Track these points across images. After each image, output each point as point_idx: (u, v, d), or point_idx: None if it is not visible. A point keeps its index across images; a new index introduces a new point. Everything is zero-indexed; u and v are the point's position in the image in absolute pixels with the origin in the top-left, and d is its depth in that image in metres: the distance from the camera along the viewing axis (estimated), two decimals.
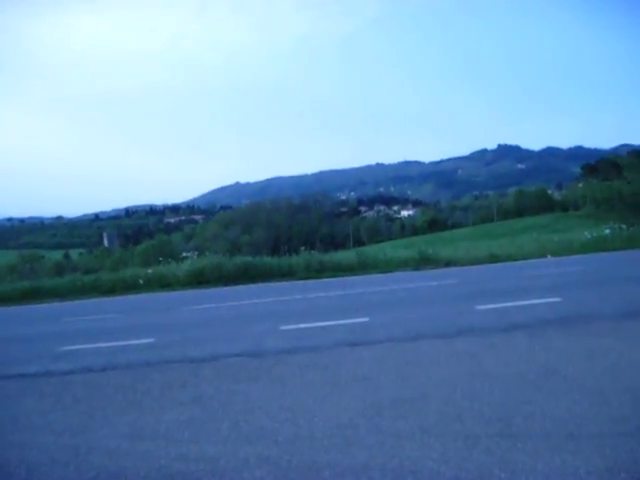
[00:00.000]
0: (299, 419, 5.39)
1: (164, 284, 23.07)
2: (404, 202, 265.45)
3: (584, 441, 4.43)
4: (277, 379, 6.97)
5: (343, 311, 12.11)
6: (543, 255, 23.82)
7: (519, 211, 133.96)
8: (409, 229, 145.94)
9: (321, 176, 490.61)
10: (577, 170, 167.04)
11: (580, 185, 68.28)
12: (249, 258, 25.72)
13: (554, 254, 23.77)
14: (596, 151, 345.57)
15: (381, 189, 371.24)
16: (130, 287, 23.26)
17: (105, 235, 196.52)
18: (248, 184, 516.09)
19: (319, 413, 5.53)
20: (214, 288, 21.65)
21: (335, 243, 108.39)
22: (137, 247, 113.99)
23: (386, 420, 5.19)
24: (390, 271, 22.57)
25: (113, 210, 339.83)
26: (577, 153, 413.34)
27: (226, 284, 22.21)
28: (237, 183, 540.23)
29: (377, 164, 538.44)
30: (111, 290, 23.09)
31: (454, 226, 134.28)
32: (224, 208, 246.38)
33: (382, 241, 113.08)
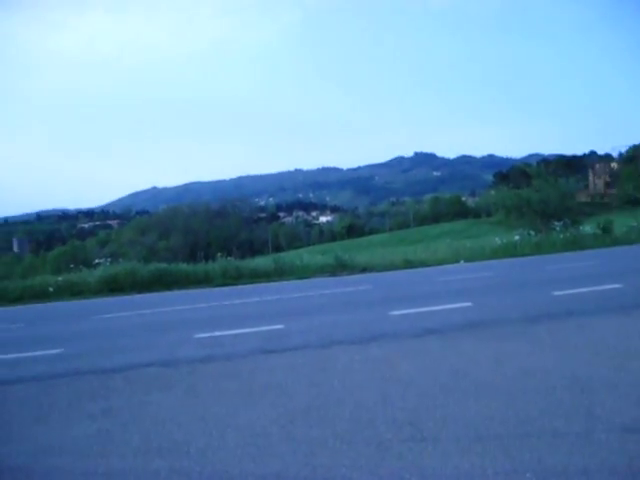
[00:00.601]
0: (212, 429, 5.33)
1: (75, 292, 22.41)
2: (323, 208, 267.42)
3: (492, 442, 4.54)
4: (190, 389, 6.87)
5: (259, 318, 12.06)
6: (456, 261, 24.42)
7: (435, 217, 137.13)
8: (327, 235, 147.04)
9: (240, 181, 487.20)
10: (490, 178, 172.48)
11: (493, 192, 70.40)
12: (164, 264, 25.36)
13: (467, 259, 24.41)
14: (508, 160, 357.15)
15: (300, 195, 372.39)
16: (39, 295, 22.45)
17: (15, 241, 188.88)
18: (165, 189, 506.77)
19: (232, 423, 5.48)
20: (128, 295, 21.20)
21: (253, 249, 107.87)
22: (49, 253, 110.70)
23: (299, 428, 5.19)
24: (307, 277, 22.69)
25: (23, 214, 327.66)
26: (490, 161, 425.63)
27: (140, 291, 21.81)
28: (154, 188, 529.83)
29: (296, 170, 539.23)
30: (19, 298, 22.25)
31: (371, 232, 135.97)
32: (140, 213, 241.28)
33: (301, 247, 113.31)
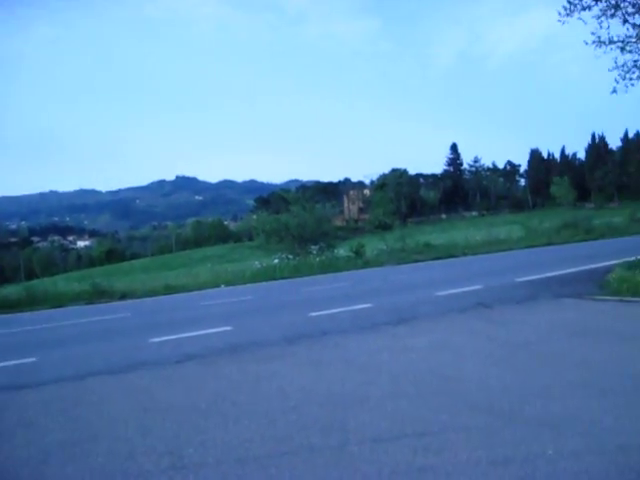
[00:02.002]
0: None
1: None
2: (80, 232, 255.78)
3: (251, 464, 4.61)
4: None
5: (6, 352, 11.18)
6: (217, 285, 24.52)
7: (197, 241, 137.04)
8: (86, 260, 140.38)
9: None
10: (251, 202, 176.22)
11: (254, 217, 71.96)
12: None
13: (228, 283, 24.61)
14: (269, 185, 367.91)
15: (56, 218, 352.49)
16: None
17: None
18: None
19: None
20: None
21: (4, 276, 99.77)
22: None
23: (52, 467, 4.88)
24: (62, 306, 21.48)
25: None
26: (251, 186, 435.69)
27: None
28: None
29: (51, 192, 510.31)
30: None
31: (133, 257, 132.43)
32: None
33: (57, 273, 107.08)
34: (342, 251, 33.41)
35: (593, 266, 17.56)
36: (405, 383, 6.71)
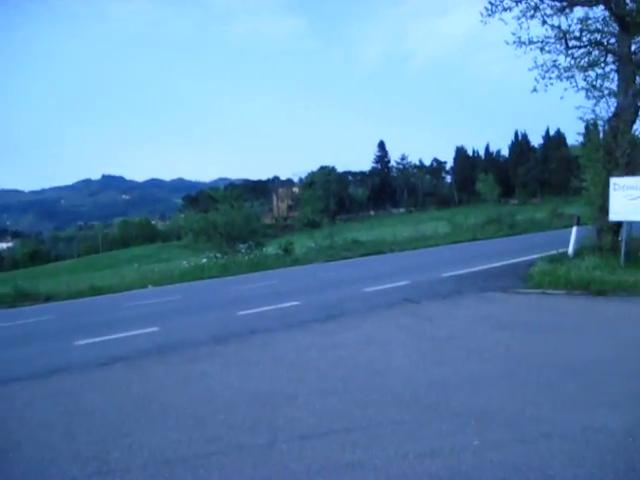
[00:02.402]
0: None
1: None
2: (2, 233, 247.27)
3: (179, 465, 4.60)
4: None
5: None
6: (144, 285, 24.12)
7: (124, 241, 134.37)
8: (9, 262, 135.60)
9: None
10: (180, 201, 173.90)
11: (182, 216, 70.99)
12: None
13: (155, 284, 24.23)
14: (197, 183, 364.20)
15: None
16: None
17: None
18: None
19: None
20: None
21: None
22: None
23: None
24: None
25: None
26: (180, 185, 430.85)
27: None
28: None
29: None
30: None
31: (58, 258, 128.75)
32: None
33: None
34: (271, 249, 33.35)
35: (516, 260, 18.04)
36: (333, 379, 6.77)
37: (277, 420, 5.48)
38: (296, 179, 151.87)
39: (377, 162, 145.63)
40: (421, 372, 6.83)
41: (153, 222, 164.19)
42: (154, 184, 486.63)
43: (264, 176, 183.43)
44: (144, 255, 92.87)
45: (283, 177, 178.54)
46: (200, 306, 15.24)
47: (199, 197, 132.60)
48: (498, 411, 5.39)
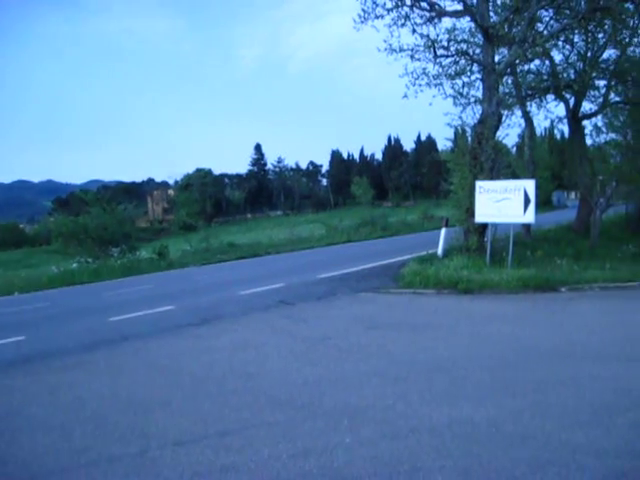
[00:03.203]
0: None
1: None
2: None
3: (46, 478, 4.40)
4: None
5: None
6: (10, 292, 22.92)
7: None
8: None
9: None
10: (49, 204, 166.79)
11: (52, 219, 68.10)
12: None
13: (22, 290, 23.09)
14: (68, 185, 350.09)
15: None
16: None
17: None
18: None
19: None
20: None
21: None
22: None
23: None
24: None
25: None
26: (49, 187, 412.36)
27: None
28: None
29: None
30: None
31: None
32: None
33: None
34: (145, 253, 32.56)
35: (389, 261, 18.55)
36: (207, 383, 6.72)
37: (149, 427, 5.38)
38: (172, 181, 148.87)
39: (254, 165, 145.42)
40: (295, 373, 6.89)
41: (21, 226, 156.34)
42: (21, 186, 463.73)
43: (139, 178, 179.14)
44: (11, 260, 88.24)
45: (158, 179, 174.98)
46: (70, 313, 14.64)
47: (70, 200, 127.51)
48: (370, 408, 5.53)
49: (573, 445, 4.58)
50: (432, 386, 6.14)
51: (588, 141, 27.03)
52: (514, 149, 33.68)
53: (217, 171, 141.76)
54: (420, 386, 6.15)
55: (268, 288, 14.40)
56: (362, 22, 17.12)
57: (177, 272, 24.25)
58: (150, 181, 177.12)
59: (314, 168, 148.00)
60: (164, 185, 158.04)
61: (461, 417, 5.20)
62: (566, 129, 26.75)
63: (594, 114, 25.27)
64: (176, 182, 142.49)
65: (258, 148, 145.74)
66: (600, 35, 20.99)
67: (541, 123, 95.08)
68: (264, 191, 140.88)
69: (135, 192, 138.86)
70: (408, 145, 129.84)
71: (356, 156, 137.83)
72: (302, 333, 9.28)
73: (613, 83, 24.15)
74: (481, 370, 6.72)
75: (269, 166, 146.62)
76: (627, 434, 4.79)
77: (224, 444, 4.86)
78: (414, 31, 17.38)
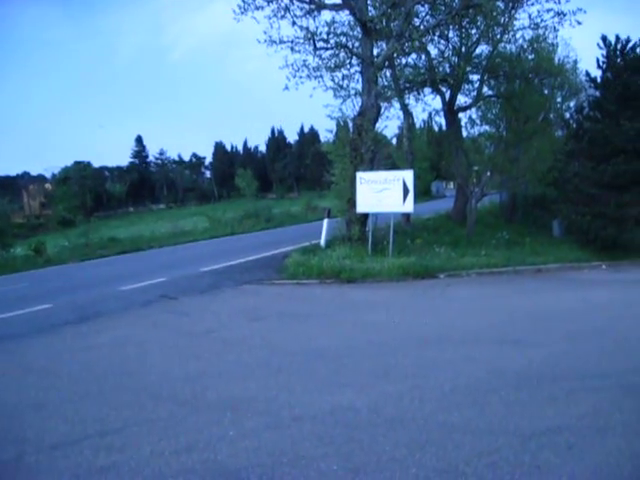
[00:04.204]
0: None
1: None
2: None
3: None
4: None
5: None
6: None
7: None
8: None
9: None
10: None
11: None
12: None
13: None
14: None
15: None
16: None
17: None
18: None
19: None
20: None
21: None
22: None
23: None
24: None
25: None
26: None
27: None
28: None
29: None
30: None
31: None
32: None
33: None
34: (20, 250, 31.11)
35: (273, 253, 18.57)
36: (87, 383, 6.51)
37: (25, 432, 5.15)
38: (49, 175, 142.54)
39: (135, 157, 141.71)
40: (177, 368, 6.79)
41: None
42: None
43: (12, 172, 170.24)
44: None
45: (34, 173, 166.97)
46: None
47: None
48: (253, 400, 5.53)
49: (450, 425, 4.79)
50: (314, 375, 6.23)
51: (464, 133, 28.11)
52: (395, 140, 34.47)
53: (97, 164, 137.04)
54: (303, 375, 6.23)
55: (150, 283, 14.07)
56: (242, 13, 17.05)
57: (55, 269, 23.30)
58: (25, 175, 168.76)
59: (197, 160, 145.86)
60: (41, 179, 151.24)
61: (343, 404, 5.30)
62: (443, 121, 27.56)
63: (469, 107, 26.27)
64: (54, 175, 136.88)
65: (139, 140, 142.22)
66: (473, 31, 21.82)
67: (420, 115, 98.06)
68: (146, 184, 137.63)
69: (9, 186, 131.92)
70: (292, 137, 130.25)
71: (240, 148, 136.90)
72: (185, 327, 9.17)
73: (486, 77, 25.21)
74: (362, 357, 6.88)
75: (151, 158, 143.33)
76: (500, 412, 5.05)
77: (104, 444, 4.73)
78: (294, 23, 17.47)
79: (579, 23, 19.77)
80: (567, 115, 29.43)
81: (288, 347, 7.53)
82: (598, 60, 24.87)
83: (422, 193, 60.36)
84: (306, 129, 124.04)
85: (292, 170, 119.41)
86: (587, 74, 26.10)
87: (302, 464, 4.17)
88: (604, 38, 24.62)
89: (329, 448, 4.39)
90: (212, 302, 11.34)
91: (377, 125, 17.38)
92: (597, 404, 5.25)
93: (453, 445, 4.38)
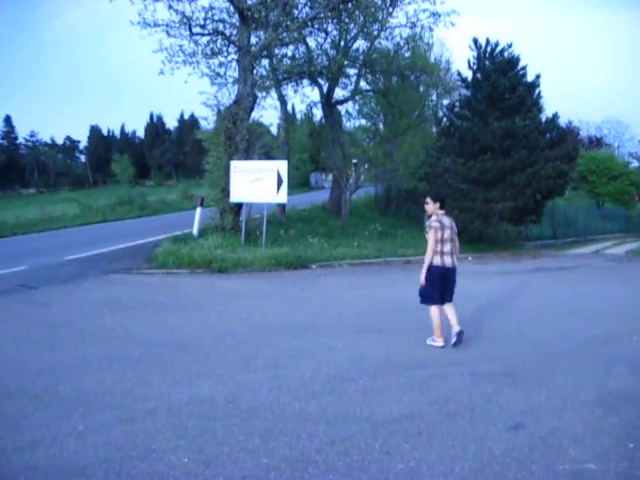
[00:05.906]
0: None
1: None
2: None
3: None
4: None
5: None
6: None
7: None
8: None
9: None
10: None
11: None
12: None
13: None
14: None
15: None
16: None
17: None
18: None
19: None
20: None
21: None
22: None
23: None
24: None
25: None
26: None
27: None
28: None
29: None
30: None
31: None
32: None
33: None
34: None
35: (144, 241, 18.10)
36: None
37: None
38: None
39: (3, 139, 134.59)
40: (30, 361, 6.45)
41: None
42: None
43: None
44: None
45: None
46: None
47: None
48: (107, 393, 5.36)
49: (305, 414, 4.83)
50: (174, 366, 6.12)
51: (344, 126, 28.59)
52: (275, 131, 34.52)
53: None
54: (162, 367, 6.10)
55: (8, 271, 13.23)
56: None
57: None
58: None
59: (72, 144, 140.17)
60: None
61: (200, 395, 5.24)
62: (321, 114, 27.84)
63: (346, 100, 26.71)
64: None
65: (8, 120, 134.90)
66: (352, 26, 22.08)
67: (298, 107, 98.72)
68: (15, 167, 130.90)
69: None
70: (172, 123, 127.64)
71: (117, 133, 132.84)
72: (43, 318, 8.75)
73: (363, 72, 25.72)
74: (224, 347, 6.84)
75: (21, 140, 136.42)
76: (356, 400, 5.15)
77: None
78: (170, 7, 17.06)
79: (452, 24, 20.34)
80: (440, 113, 30.51)
81: (150, 338, 7.36)
82: (469, 61, 26.05)
83: (301, 184, 60.91)
84: (186, 116, 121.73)
85: (171, 157, 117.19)
86: (459, 74, 27.26)
87: (152, 457, 4.06)
88: (475, 40, 25.82)
89: (182, 440, 4.32)
90: (75, 292, 10.89)
91: (253, 115, 17.33)
92: (449, 390, 5.46)
93: (307, 434, 4.42)
